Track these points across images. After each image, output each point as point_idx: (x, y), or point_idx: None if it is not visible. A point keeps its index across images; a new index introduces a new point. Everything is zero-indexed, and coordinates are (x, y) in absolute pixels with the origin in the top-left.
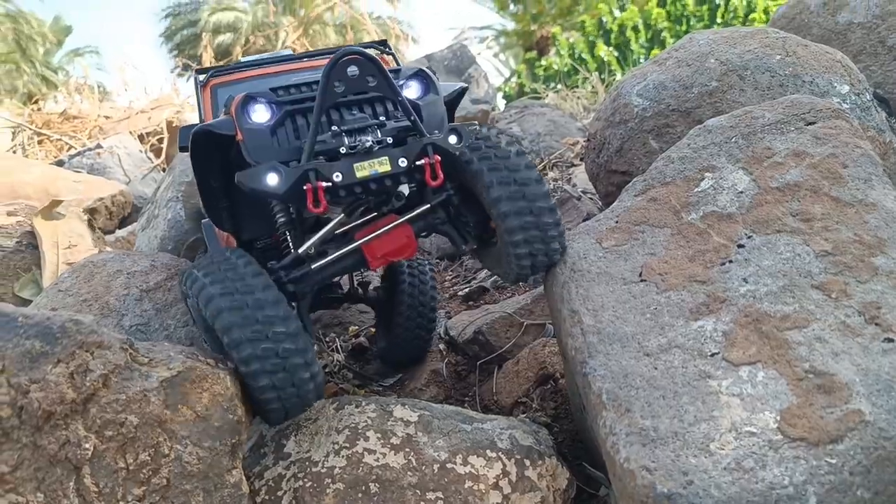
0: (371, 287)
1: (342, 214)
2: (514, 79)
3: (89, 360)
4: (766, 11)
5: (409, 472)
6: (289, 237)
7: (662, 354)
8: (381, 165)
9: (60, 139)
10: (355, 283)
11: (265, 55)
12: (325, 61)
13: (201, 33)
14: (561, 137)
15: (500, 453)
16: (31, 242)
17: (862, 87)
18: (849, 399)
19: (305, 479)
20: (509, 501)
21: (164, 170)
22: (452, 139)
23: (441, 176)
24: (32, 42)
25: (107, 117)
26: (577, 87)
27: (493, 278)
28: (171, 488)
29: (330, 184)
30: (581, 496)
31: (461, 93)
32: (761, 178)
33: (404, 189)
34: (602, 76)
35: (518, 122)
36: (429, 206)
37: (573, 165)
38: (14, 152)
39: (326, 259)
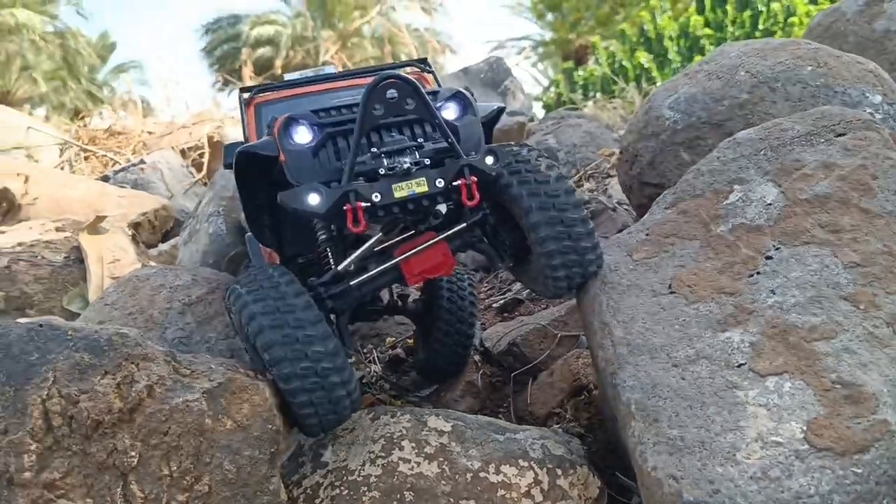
0: (410, 299)
1: (381, 233)
2: (552, 88)
3: (135, 371)
4: (807, 14)
5: (442, 481)
6: (329, 253)
7: (690, 365)
8: (419, 186)
9: (106, 155)
10: (395, 295)
11: (308, 73)
12: (366, 80)
13: (242, 47)
14: (597, 148)
15: (532, 462)
16: (78, 257)
17: (895, 96)
18: (876, 409)
19: (342, 488)
20: None
21: (205, 184)
22: (489, 160)
23: (477, 196)
24: (79, 58)
25: (150, 133)
26: (614, 96)
27: (528, 290)
28: (212, 495)
29: (369, 204)
30: None
31: (498, 113)
32: (790, 191)
33: (441, 208)
34: (641, 85)
35: (554, 133)
36: (465, 224)
37: (609, 176)
38: (62, 168)
39: (365, 276)
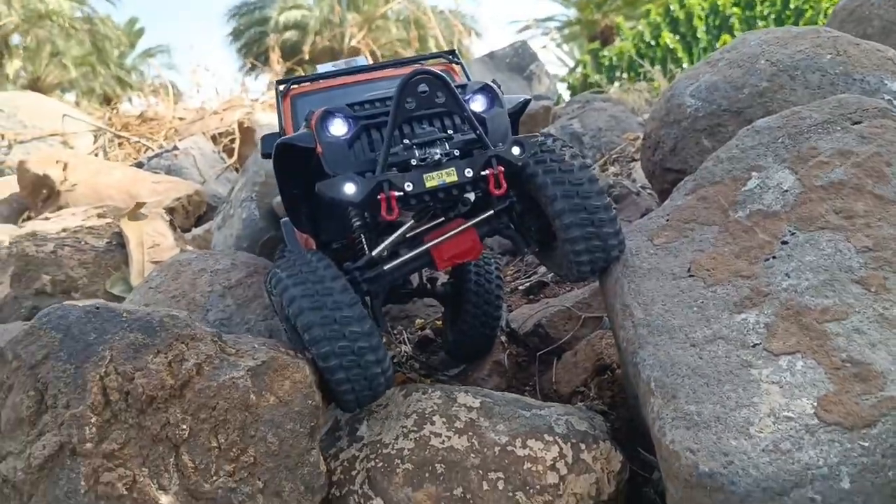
0: (439, 283)
1: (412, 220)
2: (578, 69)
3: (185, 350)
4: None
5: (472, 454)
6: (363, 240)
7: (707, 345)
8: (449, 176)
9: (139, 141)
10: (424, 279)
11: (340, 64)
12: (396, 71)
13: (269, 32)
14: (622, 133)
15: (556, 437)
16: (119, 242)
17: None
18: (883, 386)
19: (377, 460)
20: (565, 482)
21: (236, 170)
22: (515, 150)
23: (504, 185)
24: (108, 44)
25: (181, 119)
26: (639, 79)
27: (552, 273)
28: (257, 466)
29: (402, 193)
30: (636, 479)
31: (525, 104)
32: (806, 177)
33: (470, 196)
34: (667, 67)
35: (579, 117)
36: (493, 211)
37: (633, 160)
38: (96, 154)
39: (398, 261)
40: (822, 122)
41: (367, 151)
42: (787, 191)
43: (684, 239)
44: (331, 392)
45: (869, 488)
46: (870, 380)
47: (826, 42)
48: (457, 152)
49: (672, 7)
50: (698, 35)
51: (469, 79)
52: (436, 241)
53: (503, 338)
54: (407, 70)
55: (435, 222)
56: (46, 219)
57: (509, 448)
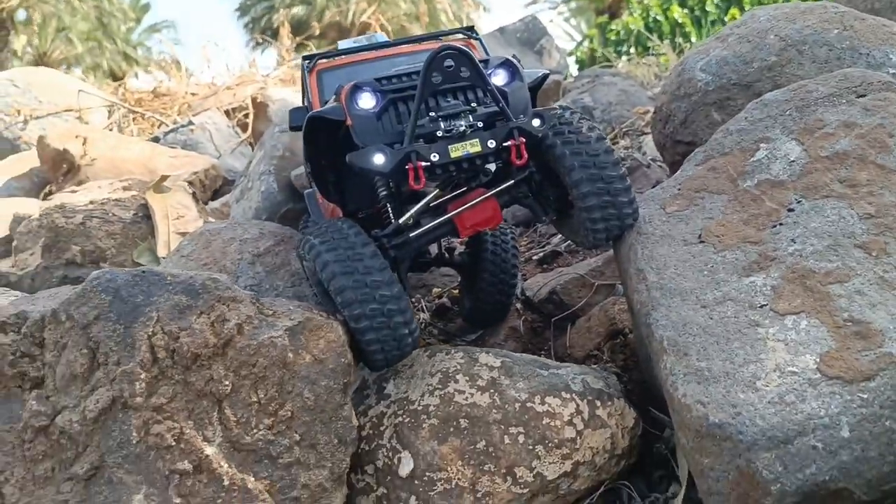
0: (457, 252)
1: (436, 189)
2: (585, 43)
3: (226, 311)
4: None
5: (494, 410)
6: (389, 209)
7: (717, 306)
8: (473, 147)
9: (153, 116)
10: (442, 248)
11: (361, 40)
12: (417, 47)
13: (277, 7)
14: (632, 107)
15: (573, 395)
16: (145, 214)
17: None
18: (882, 343)
19: (404, 416)
20: (582, 436)
21: (251, 144)
22: (536, 122)
23: (525, 156)
24: (114, 19)
25: (193, 94)
26: (649, 53)
27: (566, 243)
28: (294, 420)
29: (428, 163)
30: (647, 436)
31: (543, 78)
32: (812, 148)
33: (491, 166)
34: (676, 40)
35: (590, 91)
36: (513, 181)
37: (643, 134)
38: (111, 130)
39: (423, 228)
40: (828, 95)
41: (394, 124)
42: (793, 161)
43: (695, 207)
44: (360, 352)
45: (867, 437)
46: (869, 337)
47: (833, 17)
48: (480, 124)
49: None
50: (707, 8)
51: (488, 54)
52: (458, 209)
53: (518, 305)
54: (427, 46)
55: (457, 192)
56: (73, 192)
57: (529, 404)
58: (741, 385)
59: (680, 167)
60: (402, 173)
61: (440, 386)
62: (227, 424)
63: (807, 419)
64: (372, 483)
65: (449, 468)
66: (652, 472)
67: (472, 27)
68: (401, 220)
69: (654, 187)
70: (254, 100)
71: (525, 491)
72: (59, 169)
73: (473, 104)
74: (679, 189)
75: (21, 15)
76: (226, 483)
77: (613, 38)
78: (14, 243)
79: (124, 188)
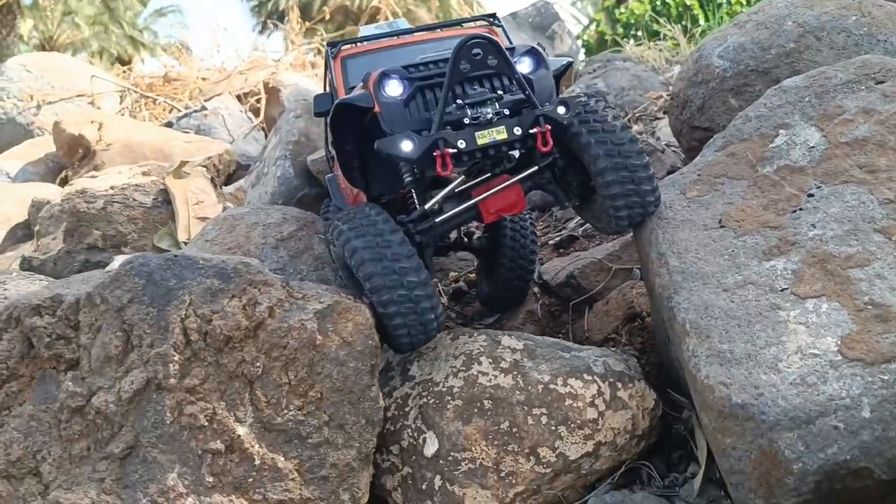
0: (475, 237)
1: (462, 175)
2: (592, 27)
3: (257, 294)
4: None
5: (517, 392)
6: (414, 194)
7: (738, 290)
8: (499, 134)
9: (165, 101)
10: (462, 233)
11: (384, 26)
12: (439, 34)
13: None
14: (644, 92)
15: (595, 377)
16: (165, 199)
17: None
18: None
19: (429, 397)
20: (603, 417)
21: (263, 129)
22: (561, 110)
23: (551, 143)
24: (120, 3)
25: (204, 79)
26: (657, 37)
27: (583, 227)
28: (323, 400)
29: (455, 150)
30: (666, 418)
31: (567, 66)
32: (831, 134)
33: (515, 153)
34: (684, 24)
35: (602, 77)
36: (537, 167)
37: (656, 118)
38: (122, 115)
39: (447, 214)
40: (847, 81)
41: (421, 111)
42: (813, 147)
43: (715, 192)
44: (386, 335)
45: (888, 417)
46: (890, 320)
47: (851, 4)
48: (507, 112)
49: None
50: None
51: (510, 41)
52: (483, 195)
53: (536, 289)
54: (449, 33)
55: (481, 178)
56: (94, 177)
57: (551, 386)
58: (763, 367)
59: (697, 153)
60: (430, 160)
61: (464, 368)
62: (259, 405)
63: (828, 400)
64: (397, 463)
65: (473, 448)
66: (671, 452)
67: (495, 14)
68: (426, 206)
69: (669, 172)
70: (266, 84)
71: (548, 471)
72: (74, 154)
73: (500, 92)
74: (699, 175)
75: None
76: (257, 462)
77: (622, 21)
78: (36, 228)
79: (143, 173)
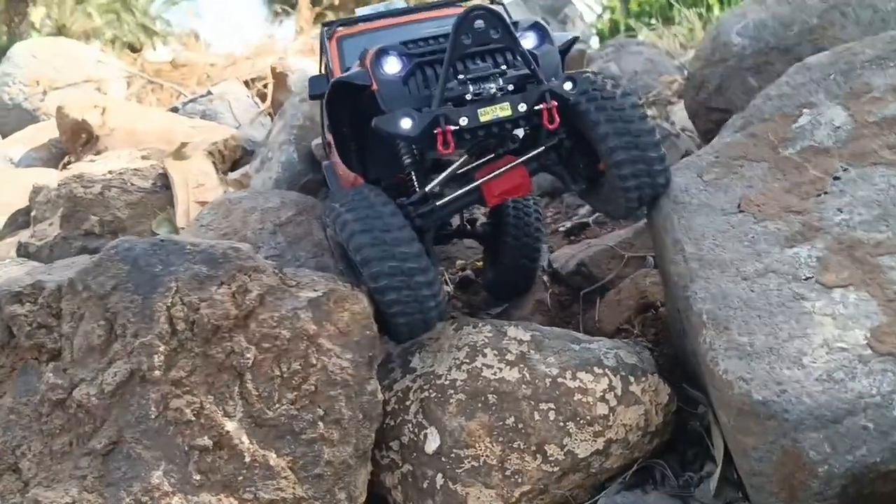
0: (478, 223)
1: (465, 156)
2: (605, 15)
3: (248, 281)
4: None
5: (523, 385)
6: (413, 177)
7: (759, 279)
8: (503, 110)
9: (172, 87)
10: (464, 220)
11: (380, 7)
12: (436, 13)
13: None
14: (658, 76)
15: (606, 370)
16: (164, 184)
17: None
18: None
19: (430, 391)
20: (615, 413)
21: (270, 115)
22: (568, 86)
23: (557, 120)
24: None
25: (212, 65)
26: (672, 23)
27: (594, 214)
28: (318, 394)
29: (457, 127)
30: (681, 413)
31: (572, 42)
32: (859, 114)
33: (519, 132)
34: (699, 10)
35: (615, 60)
36: (543, 148)
37: (671, 103)
38: (130, 100)
39: (449, 197)
40: (875, 57)
41: (421, 88)
42: (839, 127)
43: (734, 175)
44: (384, 323)
45: None
46: None
47: None
48: (511, 87)
49: None
50: None
51: (511, 18)
52: (486, 177)
53: (545, 278)
54: (448, 12)
55: (484, 159)
56: (92, 161)
57: (560, 380)
58: (786, 361)
59: (713, 136)
60: (430, 138)
61: (467, 360)
62: (249, 399)
63: (857, 398)
64: (397, 460)
65: (477, 445)
66: (686, 450)
67: None
68: (427, 188)
69: (683, 157)
70: (273, 70)
71: (556, 469)
72: (78, 139)
73: (503, 67)
74: (717, 157)
75: None
76: (247, 459)
77: (635, 9)
78: (33, 213)
79: (143, 157)
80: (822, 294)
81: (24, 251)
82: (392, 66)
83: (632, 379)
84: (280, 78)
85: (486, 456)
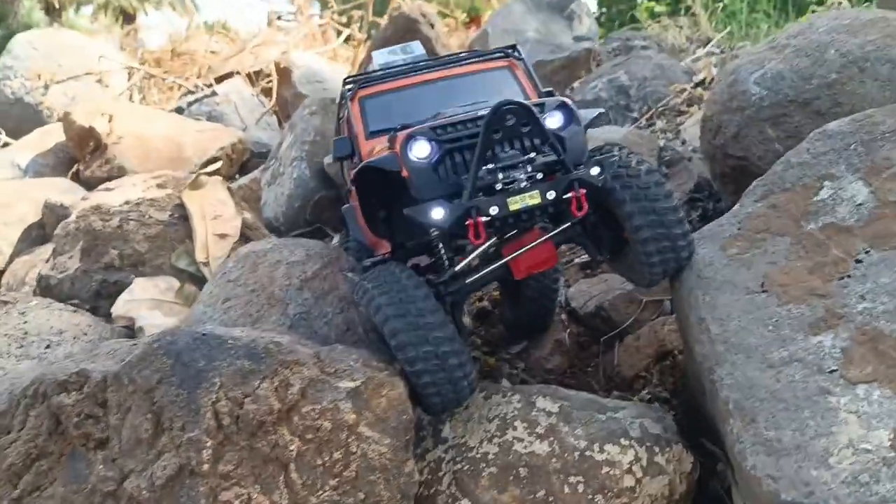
0: None
1: (494, 238)
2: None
3: (290, 375)
4: None
5: (553, 459)
6: (441, 249)
7: (784, 367)
8: (532, 199)
9: (174, 80)
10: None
11: (397, 50)
12: (456, 70)
13: None
14: (668, 82)
15: (632, 441)
16: (182, 215)
17: None
18: None
19: (463, 463)
20: (641, 485)
21: (275, 113)
22: (595, 171)
23: (585, 207)
24: None
25: (213, 52)
26: (678, 14)
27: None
28: (359, 479)
29: (488, 218)
30: (701, 469)
31: (598, 117)
32: (880, 191)
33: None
34: (705, 1)
35: (624, 66)
36: (569, 223)
37: (681, 113)
38: (130, 93)
39: (478, 274)
40: (895, 129)
41: (451, 174)
42: (860, 204)
43: (756, 250)
44: (417, 396)
45: None
46: None
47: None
48: (539, 175)
49: None
50: None
51: (532, 73)
52: (514, 254)
53: (563, 315)
54: (471, 68)
55: (510, 234)
56: (108, 189)
57: (587, 453)
58: (813, 460)
59: (729, 179)
60: (462, 228)
61: (499, 433)
62: (294, 488)
63: (881, 501)
64: None
65: None
66: None
67: (515, 46)
68: (457, 269)
69: (696, 183)
70: (277, 65)
71: None
72: (85, 147)
73: (531, 154)
74: (739, 228)
75: None
76: None
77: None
78: (53, 246)
79: (158, 185)
80: (846, 390)
81: (44, 283)
82: (422, 150)
83: (657, 449)
84: (284, 73)
85: None
